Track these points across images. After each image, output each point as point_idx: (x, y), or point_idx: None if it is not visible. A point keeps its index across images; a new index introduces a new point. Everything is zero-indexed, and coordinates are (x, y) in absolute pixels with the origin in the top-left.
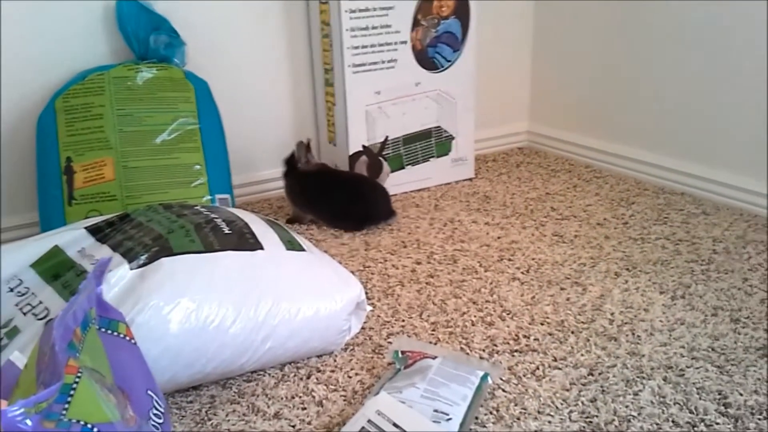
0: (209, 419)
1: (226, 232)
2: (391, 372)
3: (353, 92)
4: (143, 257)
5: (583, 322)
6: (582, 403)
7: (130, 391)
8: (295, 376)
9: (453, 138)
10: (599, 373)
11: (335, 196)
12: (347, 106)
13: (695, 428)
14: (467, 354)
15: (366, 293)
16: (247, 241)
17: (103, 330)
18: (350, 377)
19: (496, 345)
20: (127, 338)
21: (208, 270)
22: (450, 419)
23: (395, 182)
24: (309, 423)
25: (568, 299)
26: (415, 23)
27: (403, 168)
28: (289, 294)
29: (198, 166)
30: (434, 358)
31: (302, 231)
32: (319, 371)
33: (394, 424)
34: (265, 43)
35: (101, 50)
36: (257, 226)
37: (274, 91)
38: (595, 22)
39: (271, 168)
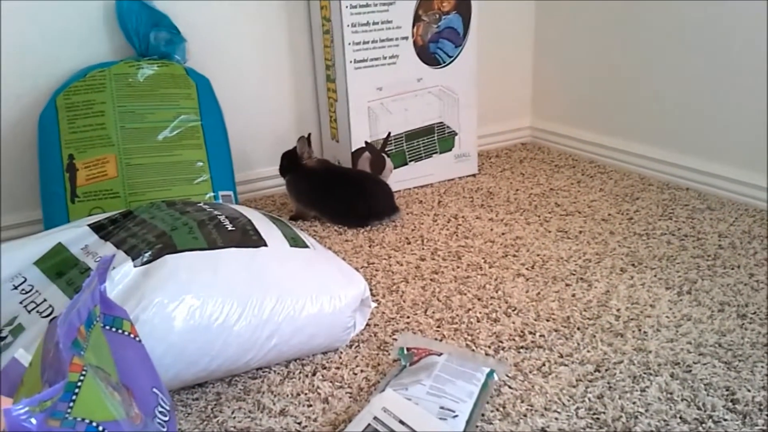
0: (215, 416)
1: (230, 229)
2: (397, 369)
3: (355, 88)
4: (147, 254)
5: (589, 318)
6: (589, 399)
7: (135, 389)
8: (300, 373)
9: (456, 134)
10: (606, 370)
11: (338, 192)
12: (349, 103)
13: (703, 425)
14: (473, 350)
15: (370, 290)
16: (251, 238)
17: (108, 328)
18: (356, 374)
19: (501, 341)
20: (132, 336)
21: (211, 267)
22: (456, 416)
23: (398, 178)
24: (315, 420)
25: (573, 295)
26: (417, 19)
27: (406, 164)
28: (293, 291)
29: (200, 163)
30: (440, 354)
31: (306, 228)
32: (324, 368)
33: (401, 421)
34: (266, 39)
35: (102, 47)
36: (260, 222)
37: (275, 88)
38: (599, 17)
39: (274, 165)
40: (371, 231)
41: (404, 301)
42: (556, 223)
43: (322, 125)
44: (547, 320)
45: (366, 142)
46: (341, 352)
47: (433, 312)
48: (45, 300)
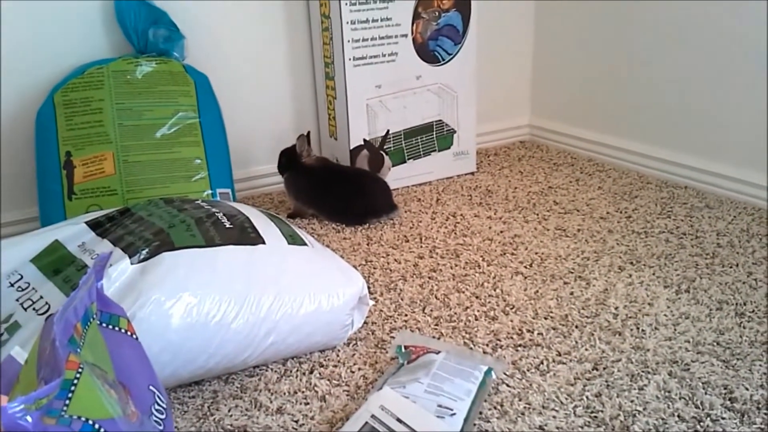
0: (212, 414)
1: (228, 226)
2: (395, 367)
3: (354, 86)
4: (144, 252)
5: (587, 317)
6: (587, 397)
7: (131, 387)
8: (297, 371)
9: (454, 132)
10: (604, 368)
11: (337, 190)
12: (348, 100)
13: (701, 423)
14: (471, 349)
15: (368, 288)
16: (249, 236)
17: (105, 325)
18: (353, 372)
19: (499, 339)
20: (129, 333)
21: (209, 264)
22: (454, 414)
23: (397, 176)
24: (312, 418)
25: (571, 293)
26: (416, 16)
27: (404, 162)
28: (291, 289)
29: (198, 161)
30: (437, 352)
31: (304, 225)
32: (321, 366)
33: (398, 420)
34: (265, 36)
35: (100, 44)
36: (259, 220)
37: (274, 85)
38: (598, 15)
39: (272, 162)
40: (369, 229)
41: (402, 299)
42: (554, 221)
43: (320, 123)
44: (545, 318)
45: (364, 140)
46: (339, 350)
47: (431, 310)
48: (41, 297)
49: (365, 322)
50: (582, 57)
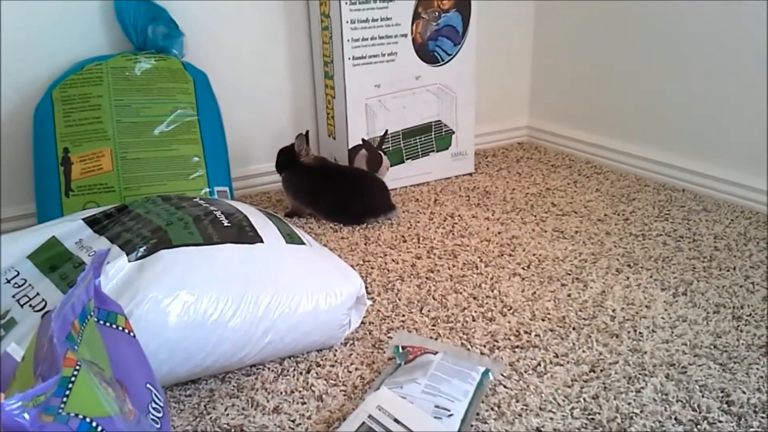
0: (208, 413)
1: (226, 224)
2: (392, 367)
3: (353, 85)
4: (142, 249)
5: (584, 319)
6: (584, 399)
7: (128, 385)
8: (294, 370)
9: (453, 132)
10: (601, 370)
11: (335, 190)
12: (347, 99)
13: (698, 426)
14: (468, 349)
15: (366, 288)
16: (247, 234)
17: (102, 322)
18: (350, 372)
19: (497, 341)
20: (126, 331)
21: (207, 263)
22: (451, 415)
23: (395, 176)
24: (309, 418)
25: (569, 295)
26: (416, 16)
27: (402, 162)
28: (288, 288)
29: (197, 158)
30: (435, 353)
31: (302, 224)
32: (318, 366)
33: (395, 420)
34: (265, 34)
35: (99, 40)
36: (257, 218)
37: (273, 84)
38: (597, 17)
39: (271, 161)
40: (367, 229)
41: (400, 300)
42: (552, 222)
43: (319, 122)
44: (543, 320)
45: (363, 140)
46: (336, 350)
47: (429, 310)
48: (38, 294)
49: (362, 322)
50: (581, 59)
